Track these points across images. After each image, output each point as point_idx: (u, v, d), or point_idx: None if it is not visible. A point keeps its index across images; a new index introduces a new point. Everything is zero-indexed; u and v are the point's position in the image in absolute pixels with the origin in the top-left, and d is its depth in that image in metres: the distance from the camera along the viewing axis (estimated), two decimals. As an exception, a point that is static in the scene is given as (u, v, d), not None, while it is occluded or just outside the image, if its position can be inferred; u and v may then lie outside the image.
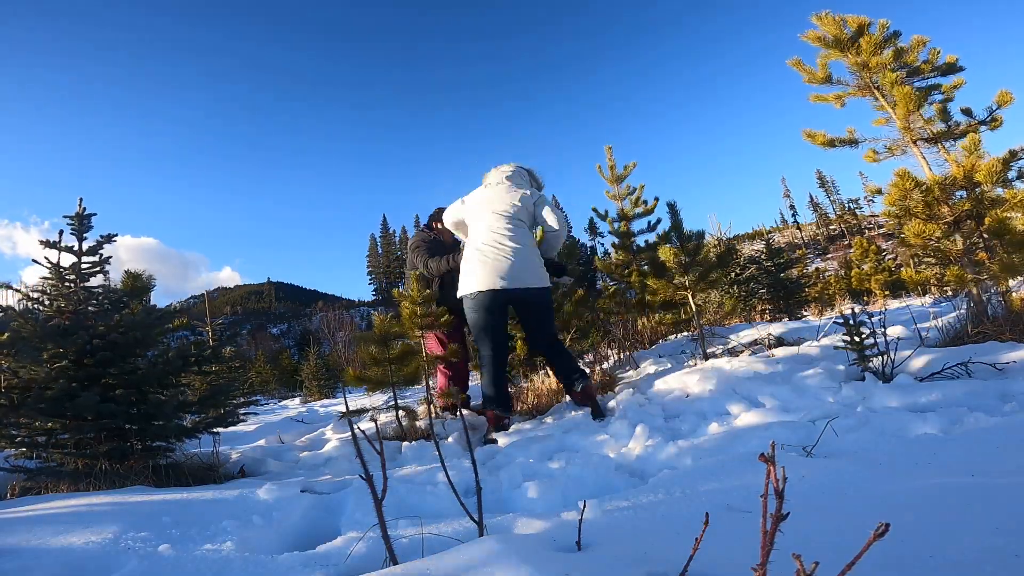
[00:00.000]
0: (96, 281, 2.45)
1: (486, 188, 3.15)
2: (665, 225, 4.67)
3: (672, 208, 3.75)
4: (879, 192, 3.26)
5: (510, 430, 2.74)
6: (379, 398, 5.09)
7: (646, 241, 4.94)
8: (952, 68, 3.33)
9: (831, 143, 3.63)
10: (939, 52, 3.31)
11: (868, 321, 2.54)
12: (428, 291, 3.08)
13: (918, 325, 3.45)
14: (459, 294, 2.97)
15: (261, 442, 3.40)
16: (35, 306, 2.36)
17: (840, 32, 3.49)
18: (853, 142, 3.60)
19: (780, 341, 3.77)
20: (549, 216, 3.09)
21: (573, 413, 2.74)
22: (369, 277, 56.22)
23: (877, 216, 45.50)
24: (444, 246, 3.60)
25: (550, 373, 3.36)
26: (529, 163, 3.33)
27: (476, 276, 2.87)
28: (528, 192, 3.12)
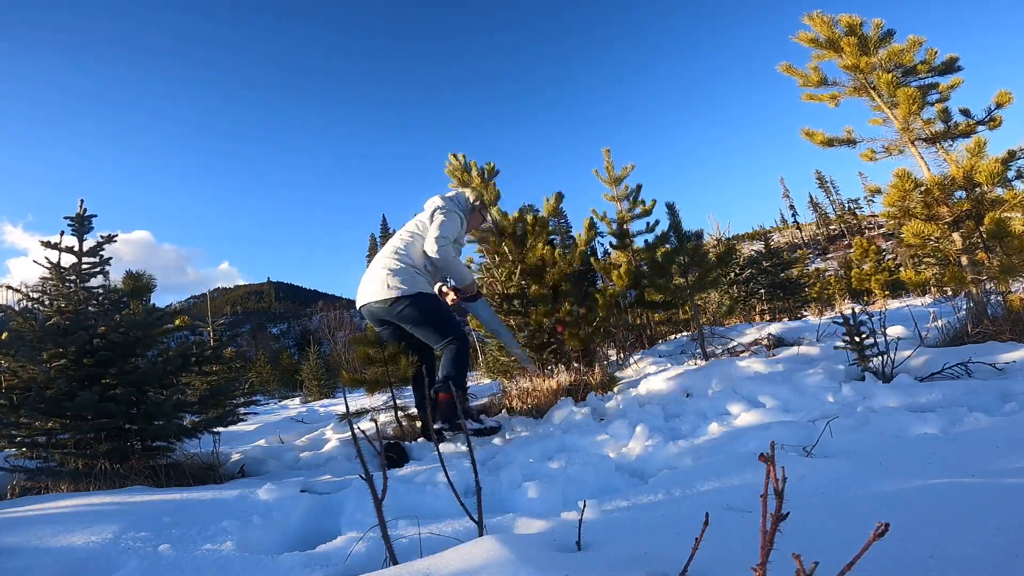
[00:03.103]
0: (96, 281, 2.45)
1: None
2: (664, 226, 4.68)
3: (671, 209, 3.75)
4: (879, 191, 3.26)
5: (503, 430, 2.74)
6: (379, 398, 5.08)
7: (645, 241, 4.95)
8: (950, 67, 3.32)
9: (829, 142, 3.64)
10: (936, 52, 3.30)
11: (868, 321, 2.54)
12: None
13: (918, 325, 3.45)
14: None
15: (261, 442, 3.40)
16: (35, 306, 2.36)
17: (832, 32, 3.47)
18: (851, 142, 3.60)
19: (780, 341, 3.77)
20: (431, 228, 2.65)
21: (573, 413, 2.73)
22: (369, 277, 56.17)
23: (877, 216, 45.44)
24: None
25: (549, 373, 3.36)
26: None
27: None
28: (440, 204, 2.77)
